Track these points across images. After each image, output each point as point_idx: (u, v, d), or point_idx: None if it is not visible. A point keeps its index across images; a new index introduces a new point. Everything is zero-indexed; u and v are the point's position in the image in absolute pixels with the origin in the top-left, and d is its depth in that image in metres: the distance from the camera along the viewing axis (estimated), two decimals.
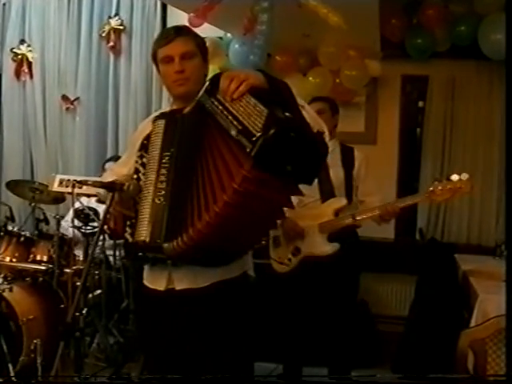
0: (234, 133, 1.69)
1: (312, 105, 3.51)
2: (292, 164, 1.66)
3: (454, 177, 3.09)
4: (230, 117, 1.75)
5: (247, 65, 4.41)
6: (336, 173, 3.43)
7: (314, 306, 3.37)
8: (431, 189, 3.14)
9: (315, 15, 3.70)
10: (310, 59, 4.74)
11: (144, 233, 1.96)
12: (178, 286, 2.08)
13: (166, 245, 1.90)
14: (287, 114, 1.66)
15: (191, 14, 4.33)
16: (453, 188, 3.08)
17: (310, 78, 4.67)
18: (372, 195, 3.48)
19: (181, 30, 2.16)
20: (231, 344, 2.09)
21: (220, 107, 1.81)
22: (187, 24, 4.41)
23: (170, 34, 2.15)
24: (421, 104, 5.18)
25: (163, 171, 1.99)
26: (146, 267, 2.19)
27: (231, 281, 2.09)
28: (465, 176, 3.06)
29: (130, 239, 2.04)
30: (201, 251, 1.89)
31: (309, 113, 1.92)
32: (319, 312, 3.38)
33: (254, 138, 1.62)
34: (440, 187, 3.11)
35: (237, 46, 4.43)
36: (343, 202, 3.36)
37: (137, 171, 2.11)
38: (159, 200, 1.96)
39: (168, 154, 2.00)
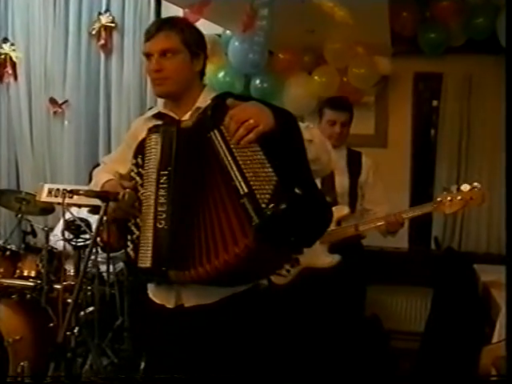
0: (240, 193, 1.79)
1: (335, 114, 3.51)
2: (296, 235, 1.81)
3: (465, 187, 3.09)
4: (234, 167, 1.83)
5: (247, 63, 4.42)
6: (341, 180, 3.44)
7: (316, 321, 3.36)
8: (439, 199, 3.15)
9: (320, 9, 3.70)
10: (315, 57, 4.75)
11: (148, 259, 2.02)
12: (188, 303, 2.12)
13: (171, 272, 1.98)
14: (296, 190, 1.75)
15: (186, 10, 4.34)
16: (463, 199, 3.09)
17: (316, 77, 4.68)
18: (380, 204, 3.48)
19: (163, 24, 2.15)
20: (243, 360, 2.11)
21: (224, 148, 1.87)
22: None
23: (152, 28, 2.15)
24: (435, 103, 5.19)
25: (162, 192, 2.03)
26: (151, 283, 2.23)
27: (242, 294, 2.11)
28: (476, 186, 3.06)
29: (133, 256, 2.08)
30: (212, 279, 1.95)
31: (317, 144, 2.03)
32: (321, 328, 3.37)
33: (260, 211, 1.74)
34: (449, 198, 3.11)
35: (236, 43, 4.42)
36: (346, 210, 3.37)
37: (132, 179, 2.14)
38: (161, 224, 2.01)
39: (165, 173, 2.04)
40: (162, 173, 2.04)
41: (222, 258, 1.85)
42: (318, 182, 2.37)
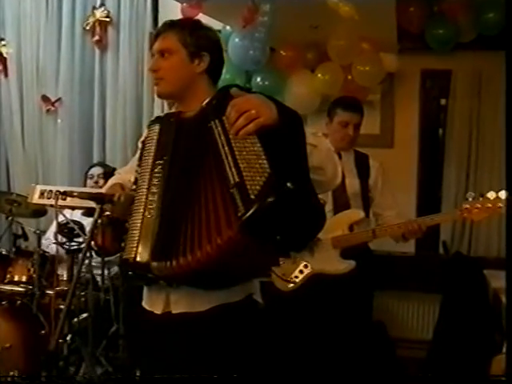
0: (230, 182, 1.79)
1: (349, 115, 3.52)
2: (282, 234, 1.79)
3: (491, 194, 3.10)
4: (229, 157, 1.83)
5: (247, 60, 4.42)
6: (351, 183, 3.44)
7: (323, 330, 3.36)
8: (467, 206, 3.15)
9: (324, 4, 3.70)
10: (318, 53, 4.74)
11: (133, 251, 2.01)
12: (175, 310, 2.08)
13: (154, 263, 1.95)
14: (289, 184, 1.73)
15: (184, 4, 4.34)
16: (491, 207, 3.10)
17: (319, 75, 4.67)
18: (390, 209, 3.49)
19: (162, 27, 2.23)
20: (233, 375, 2.07)
21: (222, 138, 1.88)
22: (180, 15, 4.45)
23: (156, 30, 2.25)
24: (443, 102, 5.18)
25: (155, 181, 2.03)
26: (145, 288, 2.21)
27: (233, 305, 2.07)
28: (503, 194, 3.07)
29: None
30: (196, 275, 1.93)
31: (321, 151, 2.03)
32: (328, 336, 3.36)
33: (247, 202, 1.73)
34: (478, 205, 3.12)
35: (237, 39, 4.42)
36: (361, 214, 3.37)
37: (135, 182, 2.14)
38: (150, 214, 2.01)
39: (161, 162, 2.05)
40: (157, 162, 2.05)
41: (205, 249, 1.83)
42: None
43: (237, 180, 1.77)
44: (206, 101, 2.07)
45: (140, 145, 2.29)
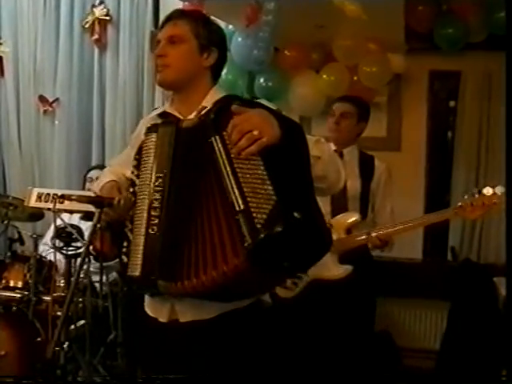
0: (235, 207, 1.79)
1: (336, 105, 3.54)
2: (290, 260, 1.82)
3: (487, 190, 3.08)
4: (232, 180, 1.82)
5: (250, 60, 4.42)
6: (352, 184, 3.43)
7: (324, 338, 3.36)
8: (460, 204, 3.14)
9: (330, 3, 3.71)
10: (323, 54, 4.76)
11: (138, 267, 2.02)
12: (183, 319, 2.10)
13: (161, 282, 1.97)
14: (296, 213, 1.75)
15: (186, 3, 4.35)
16: (486, 204, 3.08)
17: (324, 76, 4.68)
18: (386, 222, 3.49)
19: (175, 13, 2.24)
20: (246, 379, 2.10)
21: (223, 156, 1.86)
22: None
23: (166, 16, 2.23)
24: (452, 104, 5.19)
25: (156, 196, 2.03)
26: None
27: (242, 310, 2.08)
28: (500, 190, 3.05)
29: (126, 260, 2.07)
30: (202, 293, 1.95)
31: (324, 161, 2.04)
32: (330, 344, 3.36)
33: (254, 231, 1.74)
34: (471, 203, 3.10)
35: (240, 39, 4.44)
36: (356, 216, 3.36)
37: (132, 184, 2.14)
38: (153, 230, 2.01)
39: (161, 175, 2.04)
40: (157, 175, 2.04)
41: (211, 274, 1.85)
42: None
43: (242, 207, 1.78)
44: (205, 107, 2.08)
45: (133, 141, 2.31)
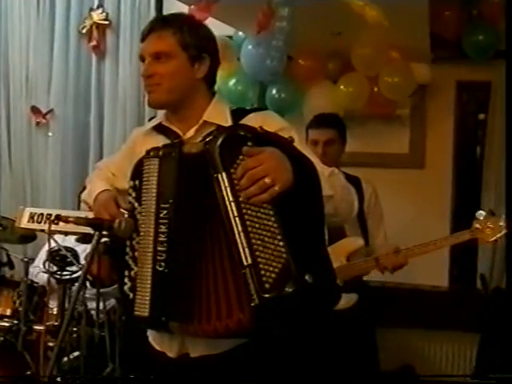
0: (243, 262, 1.80)
1: (317, 132, 3.60)
2: (297, 321, 1.88)
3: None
4: (240, 227, 1.81)
5: (262, 70, 4.44)
6: None
7: (331, 369, 3.36)
8: (477, 226, 3.13)
9: (348, 9, 3.72)
10: (341, 63, 4.76)
11: (146, 307, 2.02)
12: (194, 353, 2.12)
13: (173, 324, 1.99)
14: (307, 276, 1.78)
15: (192, 7, 4.38)
16: (505, 225, 3.08)
17: (342, 87, 4.68)
18: (377, 232, 3.52)
19: (158, 23, 2.19)
20: None
21: (230, 198, 1.84)
22: None
23: (147, 27, 2.19)
24: (481, 117, 5.19)
25: (162, 228, 2.02)
26: None
27: (256, 342, 2.09)
28: None
29: (131, 296, 2.08)
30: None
31: (337, 199, 2.06)
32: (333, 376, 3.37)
33: (261, 290, 1.76)
34: (490, 224, 3.10)
35: (250, 46, 4.46)
36: (359, 242, 3.38)
37: (129, 203, 2.13)
38: (161, 266, 2.01)
39: (166, 206, 2.03)
40: (162, 206, 2.03)
41: (214, 325, 1.90)
42: None
43: (249, 262, 1.78)
44: (207, 122, 2.12)
45: (126, 152, 2.34)
